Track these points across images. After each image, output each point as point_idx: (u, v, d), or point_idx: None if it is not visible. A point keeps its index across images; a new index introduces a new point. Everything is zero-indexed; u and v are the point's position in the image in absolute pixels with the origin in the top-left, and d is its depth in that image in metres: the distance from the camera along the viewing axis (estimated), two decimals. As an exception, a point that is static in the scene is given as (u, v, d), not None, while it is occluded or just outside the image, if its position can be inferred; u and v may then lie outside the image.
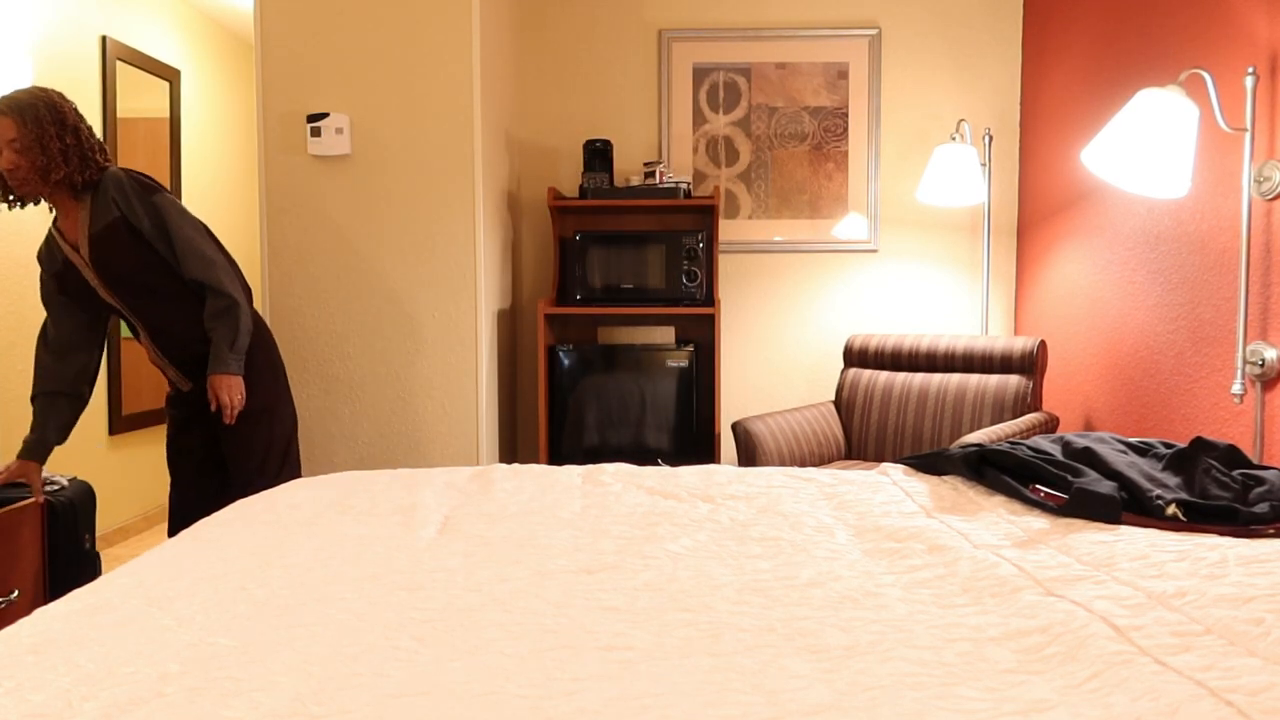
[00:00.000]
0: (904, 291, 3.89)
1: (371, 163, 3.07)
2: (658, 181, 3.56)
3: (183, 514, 2.48)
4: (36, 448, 2.45)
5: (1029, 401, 3.05)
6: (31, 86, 2.31)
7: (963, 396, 3.14)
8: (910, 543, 1.49)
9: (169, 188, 4.25)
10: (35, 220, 3.47)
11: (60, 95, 2.31)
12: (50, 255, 2.41)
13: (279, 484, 2.27)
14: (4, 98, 2.28)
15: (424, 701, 0.91)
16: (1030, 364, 3.09)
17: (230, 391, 2.37)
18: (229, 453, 2.46)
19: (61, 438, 2.47)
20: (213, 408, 2.39)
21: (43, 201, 2.37)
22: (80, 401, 2.48)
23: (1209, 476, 1.67)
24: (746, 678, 0.97)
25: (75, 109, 2.32)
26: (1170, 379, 2.70)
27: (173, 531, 2.50)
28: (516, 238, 3.80)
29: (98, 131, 3.76)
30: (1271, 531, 1.48)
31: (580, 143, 3.86)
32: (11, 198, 2.34)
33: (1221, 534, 1.48)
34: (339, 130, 3.04)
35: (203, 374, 2.46)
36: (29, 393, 3.41)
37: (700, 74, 3.86)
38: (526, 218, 3.92)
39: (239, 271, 2.46)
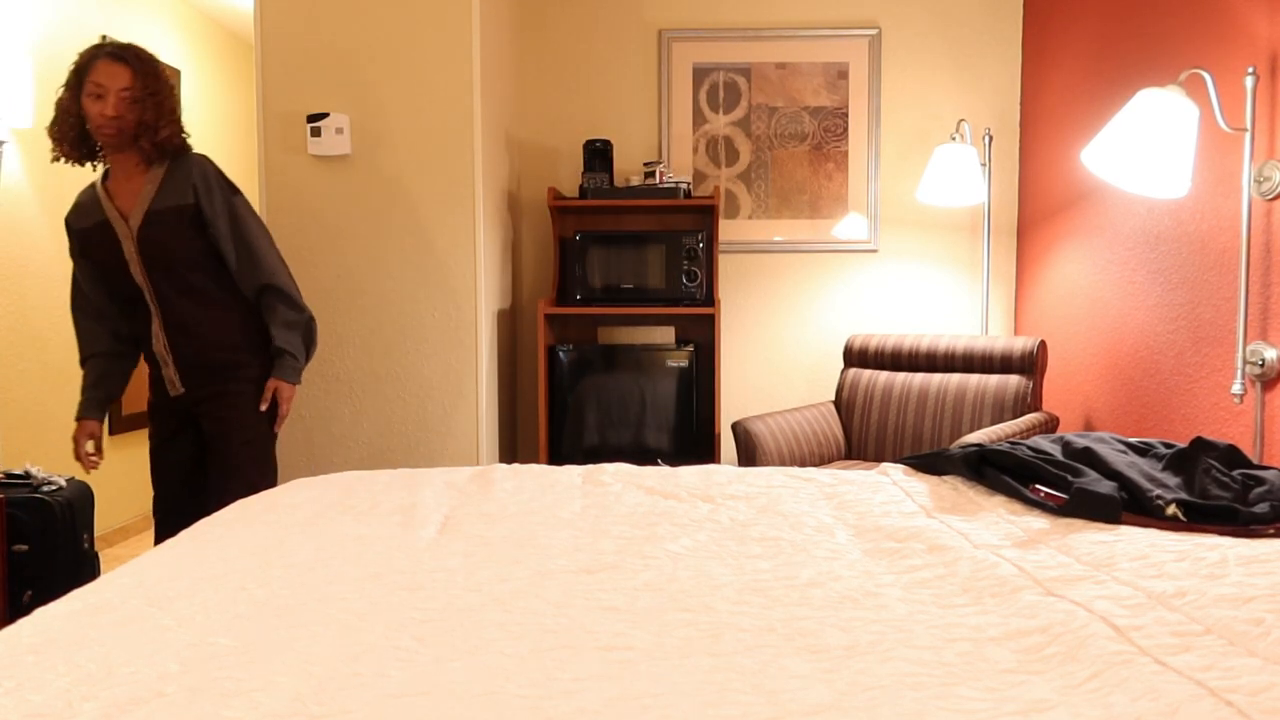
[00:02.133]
0: (904, 291, 3.89)
1: (371, 163, 3.07)
2: (658, 181, 3.55)
3: (168, 528, 2.38)
4: (91, 406, 2.34)
5: (1029, 401, 3.05)
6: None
7: (963, 396, 3.15)
8: (910, 543, 1.49)
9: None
10: (36, 220, 3.47)
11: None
12: (85, 210, 2.26)
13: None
14: (120, 44, 2.15)
15: (424, 701, 0.91)
16: (1030, 364, 3.09)
17: (290, 403, 2.39)
18: (225, 468, 2.35)
19: (120, 390, 2.39)
20: (281, 412, 2.38)
21: (97, 164, 2.25)
22: (128, 360, 2.37)
23: (1209, 476, 1.67)
24: (746, 678, 0.97)
25: None
26: (1170, 379, 2.70)
27: (159, 544, 2.45)
28: (516, 238, 3.80)
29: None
30: (1271, 531, 1.48)
31: (580, 143, 3.86)
32: (81, 152, 2.18)
33: (1221, 534, 1.48)
34: (339, 130, 3.04)
35: (200, 381, 2.34)
36: (28, 394, 3.42)
37: (700, 74, 3.86)
38: (526, 218, 3.92)
39: None
